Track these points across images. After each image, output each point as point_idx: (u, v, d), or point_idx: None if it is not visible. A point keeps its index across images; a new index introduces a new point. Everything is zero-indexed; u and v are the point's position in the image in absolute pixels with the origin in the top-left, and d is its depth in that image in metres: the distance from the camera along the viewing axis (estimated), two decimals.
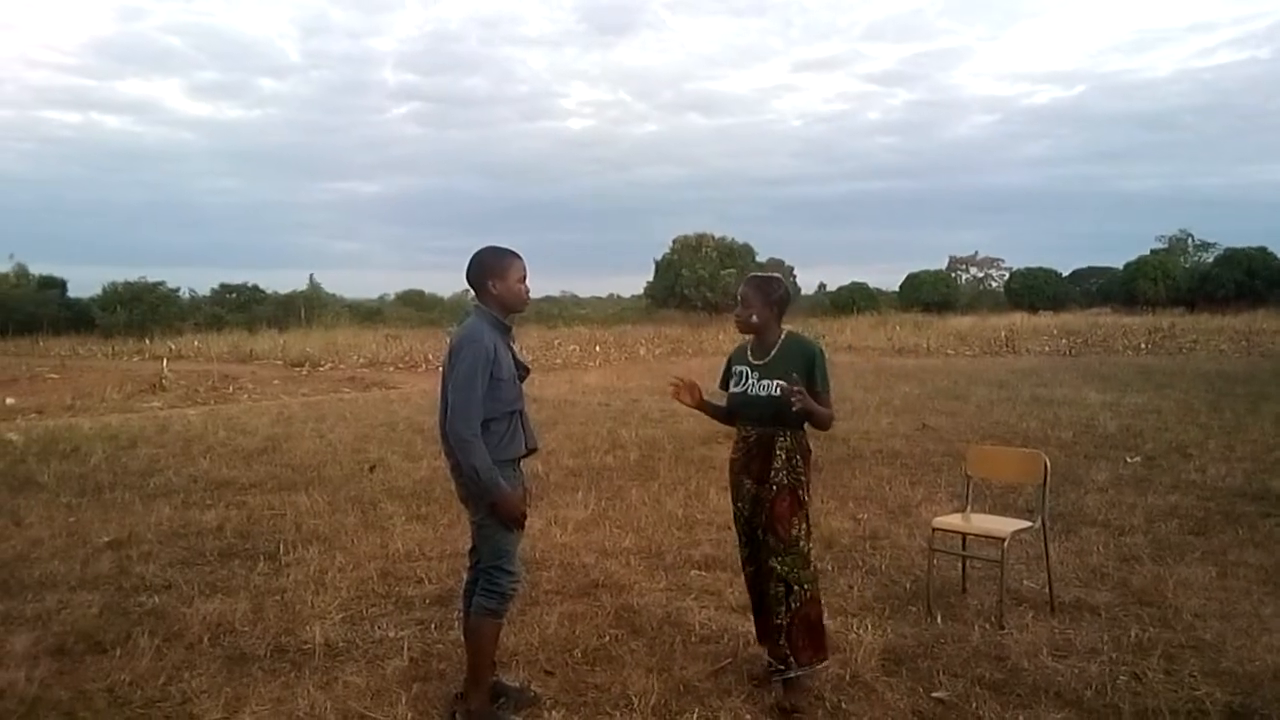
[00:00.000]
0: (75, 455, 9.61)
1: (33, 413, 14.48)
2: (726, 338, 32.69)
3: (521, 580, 3.74)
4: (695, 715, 3.63)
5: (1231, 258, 46.51)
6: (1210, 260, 51.00)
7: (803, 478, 3.80)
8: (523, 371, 3.67)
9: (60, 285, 45.79)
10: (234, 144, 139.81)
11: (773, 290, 3.90)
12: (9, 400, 16.17)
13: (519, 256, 3.62)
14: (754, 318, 3.88)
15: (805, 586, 3.76)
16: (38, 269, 46.65)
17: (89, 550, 6.04)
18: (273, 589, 5.21)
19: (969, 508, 5.19)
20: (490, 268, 3.56)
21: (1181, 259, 53.33)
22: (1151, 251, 52.59)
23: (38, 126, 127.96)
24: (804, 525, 3.79)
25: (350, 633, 4.52)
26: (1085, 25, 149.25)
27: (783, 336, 3.90)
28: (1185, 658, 4.13)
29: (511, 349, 3.63)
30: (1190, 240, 56.62)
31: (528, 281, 3.66)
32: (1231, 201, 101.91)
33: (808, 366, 3.76)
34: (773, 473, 3.77)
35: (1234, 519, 6.54)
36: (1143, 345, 25.89)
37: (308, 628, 4.54)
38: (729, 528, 6.36)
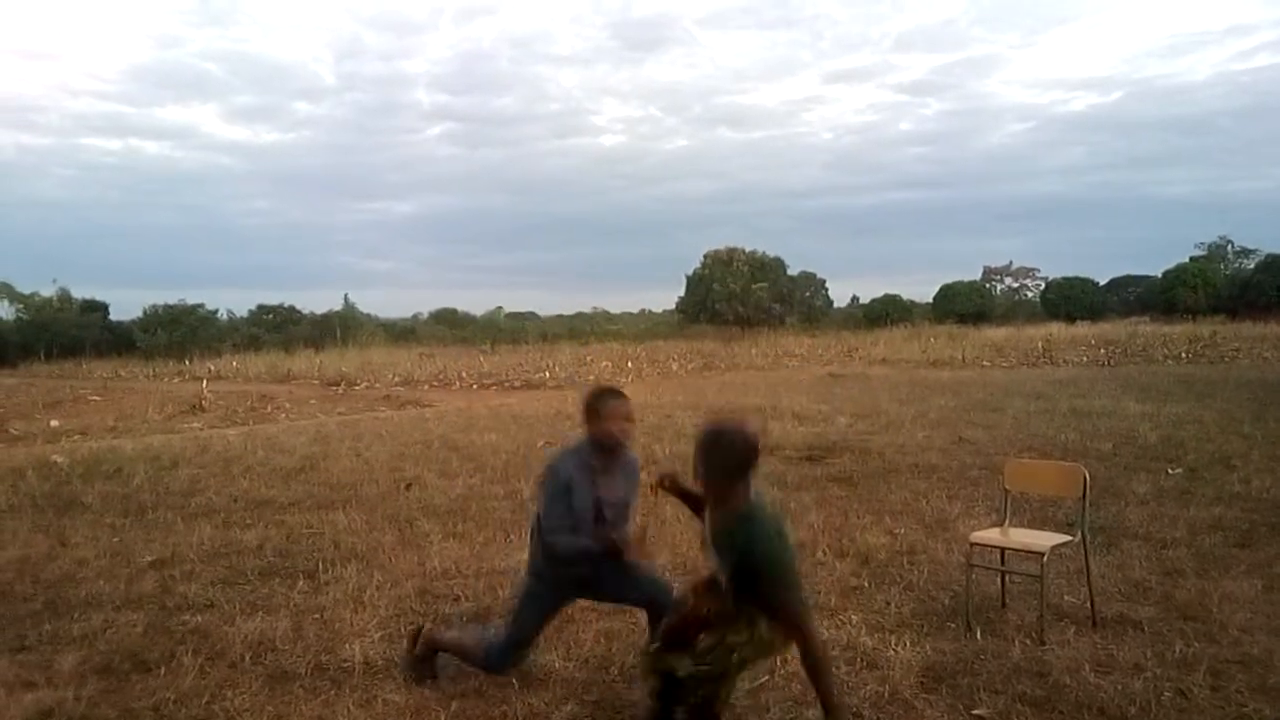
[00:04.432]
0: (118, 476, 9.77)
1: (77, 434, 14.77)
2: (759, 352, 32.65)
3: (507, 667, 4.06)
4: None
5: (1273, 264, 45.77)
6: (1251, 267, 50.22)
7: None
8: (608, 509, 3.86)
9: (102, 308, 46.84)
10: (270, 167, 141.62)
11: (721, 451, 3.22)
12: (54, 422, 16.50)
13: (616, 398, 3.91)
14: (708, 489, 3.30)
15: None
16: (80, 293, 47.90)
17: (133, 570, 6.14)
18: (312, 607, 5.26)
19: (1007, 522, 5.14)
20: (587, 408, 3.91)
21: (1221, 266, 52.59)
22: (1191, 259, 51.89)
23: (79, 153, 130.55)
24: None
25: (389, 651, 4.56)
26: (1120, 30, 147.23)
27: (741, 510, 3.20)
28: (1232, 673, 4.05)
29: (607, 483, 3.87)
30: (1230, 247, 55.84)
31: (624, 421, 3.87)
32: (1273, 206, 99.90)
33: (738, 561, 3.15)
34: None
35: (1279, 531, 6.42)
36: (1183, 354, 25.51)
37: (347, 646, 4.58)
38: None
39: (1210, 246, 55.92)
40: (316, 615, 5.11)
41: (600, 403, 3.87)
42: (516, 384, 23.67)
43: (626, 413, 3.89)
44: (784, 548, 3.20)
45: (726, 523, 3.21)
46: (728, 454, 3.20)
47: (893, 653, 4.34)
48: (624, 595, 4.12)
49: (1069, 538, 4.82)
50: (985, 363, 25.59)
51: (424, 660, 4.20)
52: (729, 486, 3.22)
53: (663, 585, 4.11)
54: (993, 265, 63.31)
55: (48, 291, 47.44)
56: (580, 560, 3.84)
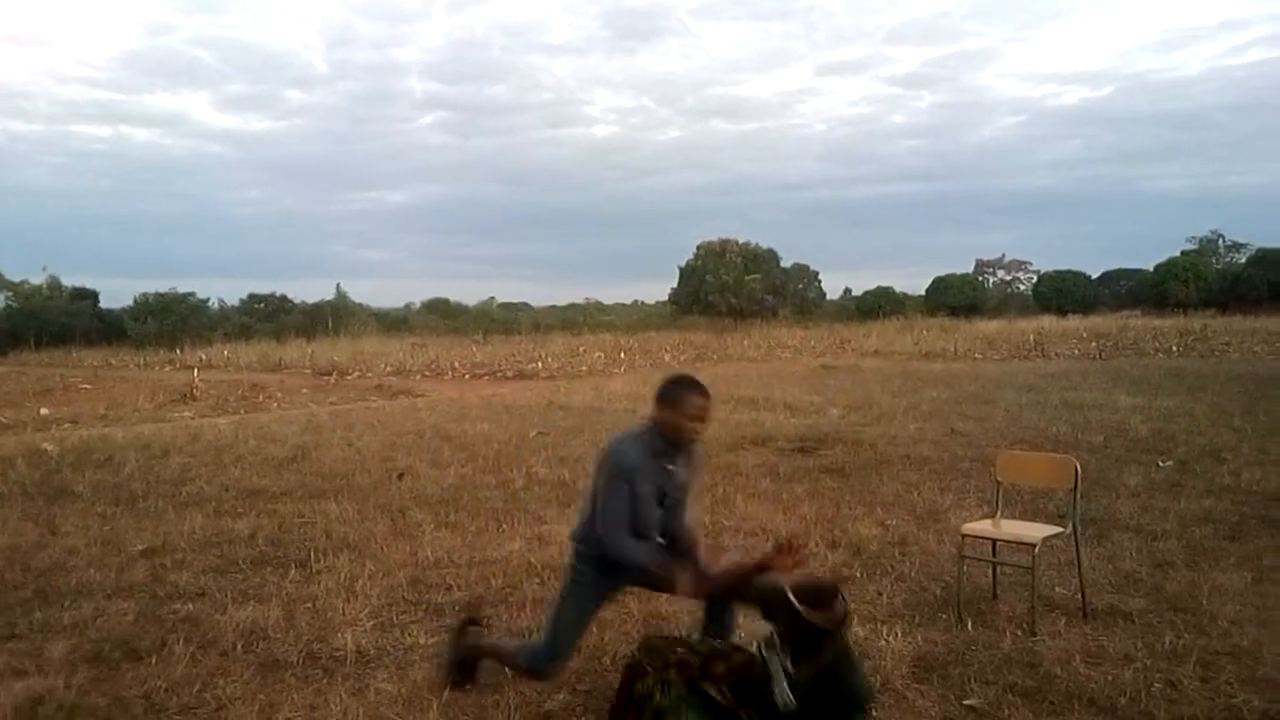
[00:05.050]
0: (109, 464, 9.73)
1: (67, 423, 14.71)
2: (751, 343, 32.65)
3: (553, 669, 3.75)
4: None
5: (1264, 258, 45.94)
6: (1242, 261, 50.42)
7: None
8: (671, 494, 3.63)
9: (92, 297, 46.64)
10: (262, 155, 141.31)
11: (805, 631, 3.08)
12: (44, 410, 16.44)
13: (699, 393, 3.56)
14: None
15: None
16: (70, 281, 47.66)
17: (124, 558, 6.12)
18: (304, 596, 5.25)
19: (999, 513, 5.15)
20: (662, 396, 3.59)
21: (1213, 260, 52.76)
22: (1182, 253, 52.05)
23: (69, 140, 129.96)
24: None
25: (381, 640, 4.56)
26: (1114, 25, 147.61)
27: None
28: (1221, 664, 4.07)
29: (669, 469, 3.61)
30: (1221, 241, 56.03)
31: (699, 420, 3.56)
32: (1265, 201, 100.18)
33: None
34: None
35: (1269, 523, 6.44)
36: (1174, 348, 25.60)
37: (339, 635, 4.58)
38: (755, 534, 6.37)
39: (1202, 241, 56.10)
40: (308, 604, 5.10)
41: (676, 393, 3.56)
42: (509, 374, 23.67)
43: (704, 410, 3.56)
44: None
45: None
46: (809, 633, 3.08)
47: (884, 643, 4.35)
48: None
49: (1060, 529, 4.84)
50: (977, 355, 25.65)
51: (465, 664, 3.97)
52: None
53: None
54: (985, 258, 63.38)
55: (37, 279, 47.26)
56: (632, 568, 3.57)
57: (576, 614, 3.73)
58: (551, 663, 3.72)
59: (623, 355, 28.44)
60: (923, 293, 54.16)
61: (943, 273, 54.73)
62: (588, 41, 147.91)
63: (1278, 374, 17.63)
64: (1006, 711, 3.67)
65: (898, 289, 54.81)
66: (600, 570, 3.65)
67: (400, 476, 8.84)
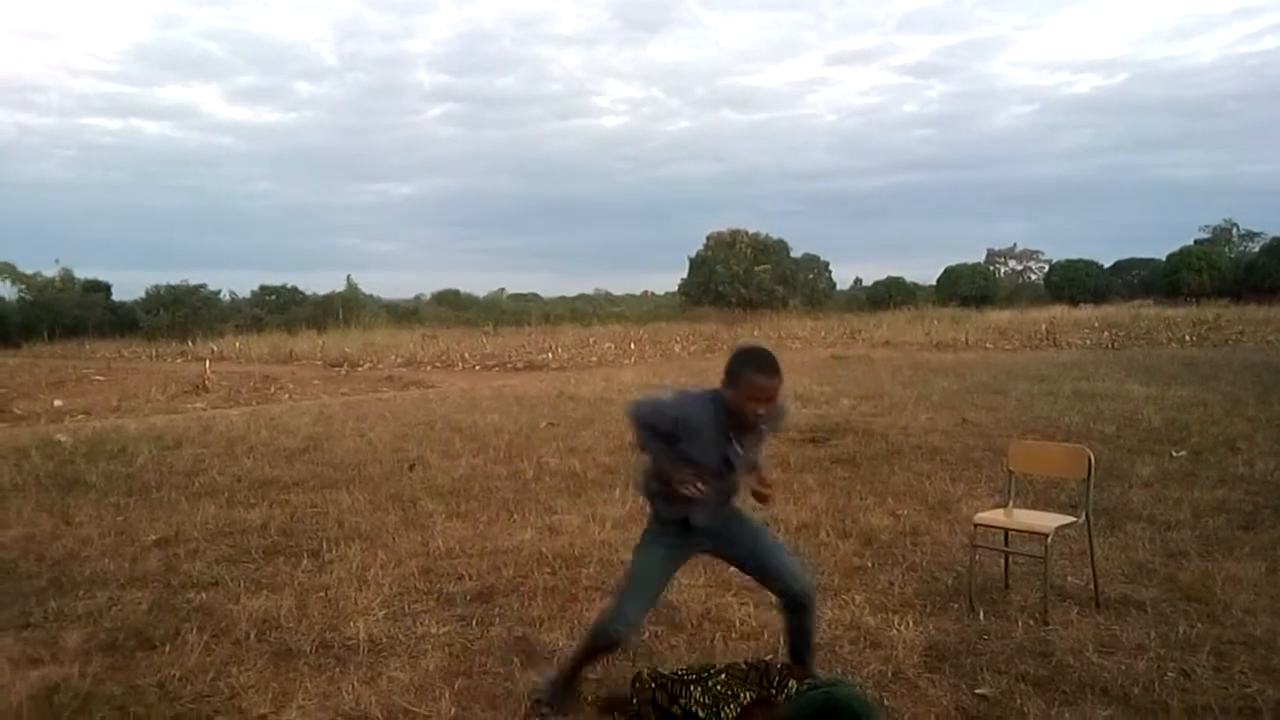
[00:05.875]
0: (122, 455, 9.79)
1: (80, 414, 14.80)
2: (762, 334, 32.59)
3: (621, 629, 3.53)
4: None
5: (1278, 247, 45.53)
6: (1256, 250, 50.02)
7: None
8: (737, 460, 3.42)
9: (105, 289, 46.81)
10: (271, 147, 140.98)
11: None
12: (57, 402, 16.54)
13: (760, 372, 3.24)
14: None
15: None
16: (83, 273, 47.77)
17: (137, 548, 6.15)
18: (317, 586, 5.28)
19: (1011, 503, 5.13)
20: (730, 369, 3.31)
21: (1226, 249, 52.34)
22: (1195, 242, 51.62)
23: (80, 134, 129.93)
24: None
25: (393, 629, 4.58)
26: (1127, 12, 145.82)
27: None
28: (1235, 654, 4.05)
29: (730, 441, 3.37)
30: (1235, 230, 55.53)
31: (763, 402, 3.25)
32: (1279, 190, 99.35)
33: None
34: None
35: None
36: (1187, 337, 25.46)
37: (351, 624, 4.59)
38: (765, 525, 6.36)
39: (1215, 229, 55.64)
40: (321, 593, 5.13)
41: (742, 370, 3.24)
42: (519, 365, 23.69)
43: (765, 391, 3.22)
44: None
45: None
46: None
47: (896, 632, 4.35)
48: (756, 568, 3.68)
49: (1073, 519, 4.81)
50: (988, 345, 25.56)
51: (566, 686, 3.73)
52: None
53: (801, 576, 3.72)
54: (996, 248, 63.04)
55: (50, 272, 47.32)
56: (649, 454, 3.41)
57: (642, 570, 3.57)
58: (618, 622, 3.50)
59: (633, 346, 28.43)
60: (934, 283, 53.90)
61: (954, 262, 54.46)
62: (597, 32, 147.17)
63: None
64: (1019, 701, 3.66)
65: (908, 279, 54.54)
66: (666, 527, 3.55)
67: (411, 467, 8.87)
